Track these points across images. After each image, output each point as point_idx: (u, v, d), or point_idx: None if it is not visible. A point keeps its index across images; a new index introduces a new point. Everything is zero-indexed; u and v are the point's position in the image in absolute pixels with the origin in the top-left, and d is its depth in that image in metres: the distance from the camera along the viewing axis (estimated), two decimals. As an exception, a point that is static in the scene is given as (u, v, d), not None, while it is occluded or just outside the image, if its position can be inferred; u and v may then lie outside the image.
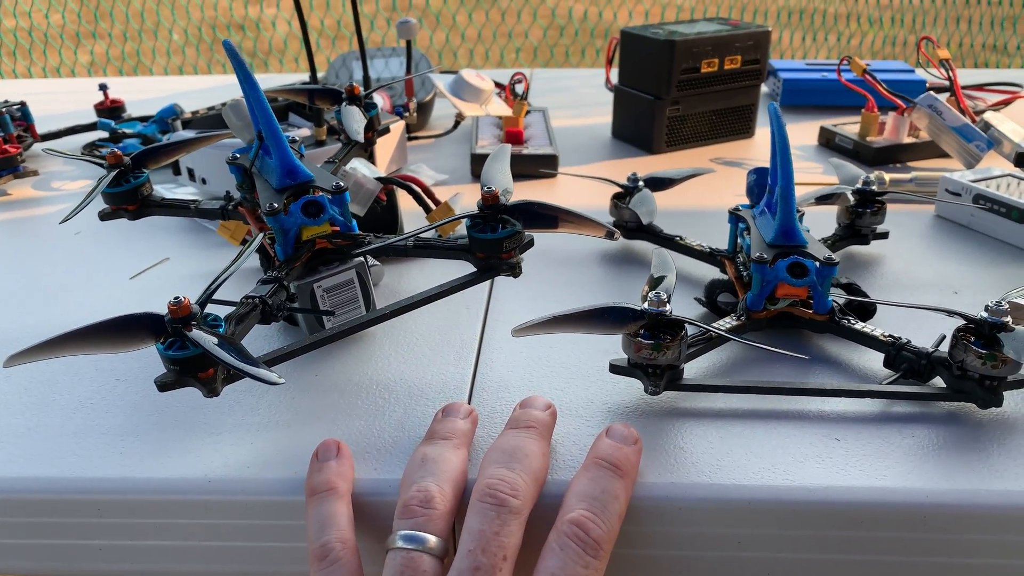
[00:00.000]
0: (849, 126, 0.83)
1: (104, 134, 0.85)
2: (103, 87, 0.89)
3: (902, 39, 2.73)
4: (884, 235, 0.59)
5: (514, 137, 0.78)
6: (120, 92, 0.94)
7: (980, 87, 0.95)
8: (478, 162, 0.76)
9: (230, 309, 0.42)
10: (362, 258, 0.48)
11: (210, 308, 0.39)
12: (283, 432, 0.42)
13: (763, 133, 0.88)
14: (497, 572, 0.32)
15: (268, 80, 1.16)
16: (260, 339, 0.50)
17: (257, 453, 0.40)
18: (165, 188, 0.73)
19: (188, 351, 0.37)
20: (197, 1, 2.42)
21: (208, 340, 0.36)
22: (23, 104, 0.85)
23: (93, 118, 0.89)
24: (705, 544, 0.38)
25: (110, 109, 0.89)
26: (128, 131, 0.84)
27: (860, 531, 0.37)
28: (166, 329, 0.37)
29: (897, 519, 0.36)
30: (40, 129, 0.87)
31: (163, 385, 0.38)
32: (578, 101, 1.03)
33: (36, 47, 2.40)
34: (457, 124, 0.83)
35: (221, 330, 0.38)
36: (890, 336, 0.45)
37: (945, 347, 0.43)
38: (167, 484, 0.39)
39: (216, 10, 2.48)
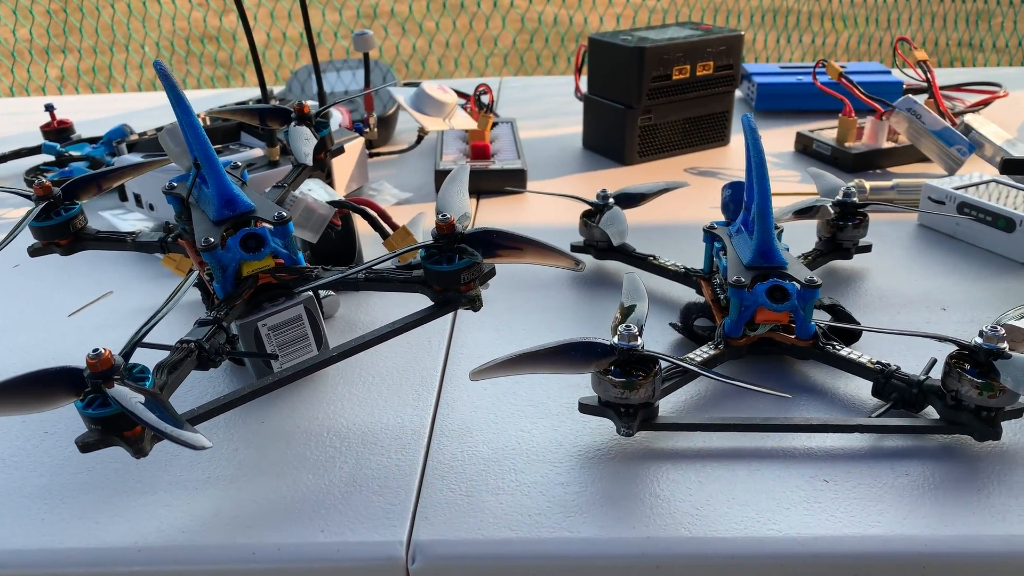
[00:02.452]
0: (827, 131, 0.81)
1: (50, 158, 0.81)
2: (49, 108, 0.85)
3: (877, 38, 2.72)
4: (867, 248, 0.57)
5: (480, 151, 0.74)
6: (74, 112, 0.90)
7: (958, 87, 0.93)
8: (443, 178, 0.72)
9: (164, 354, 0.38)
10: (311, 293, 0.44)
11: (143, 355, 0.36)
12: (225, 489, 0.38)
13: (739, 140, 0.85)
14: None
15: (228, 95, 1.12)
16: (204, 381, 0.46)
17: (195, 515, 0.36)
18: (113, 215, 0.69)
19: (110, 409, 0.33)
20: (168, 13, 2.37)
21: (131, 397, 0.33)
22: (-37, 127, 0.81)
23: (39, 140, 0.84)
24: (686, 604, 0.34)
25: (57, 131, 0.84)
26: (75, 154, 0.80)
27: (853, 586, 0.34)
28: (86, 384, 0.34)
29: (894, 570, 0.33)
30: (-17, 153, 0.82)
31: (85, 445, 0.34)
32: (548, 111, 1.00)
33: (2, 64, 2.34)
34: (420, 139, 0.79)
35: (148, 383, 0.35)
36: (878, 363, 0.42)
37: (936, 372, 0.41)
38: (92, 555, 0.35)
39: (189, 22, 2.42)
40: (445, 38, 2.24)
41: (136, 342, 0.36)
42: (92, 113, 1.04)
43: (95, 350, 0.33)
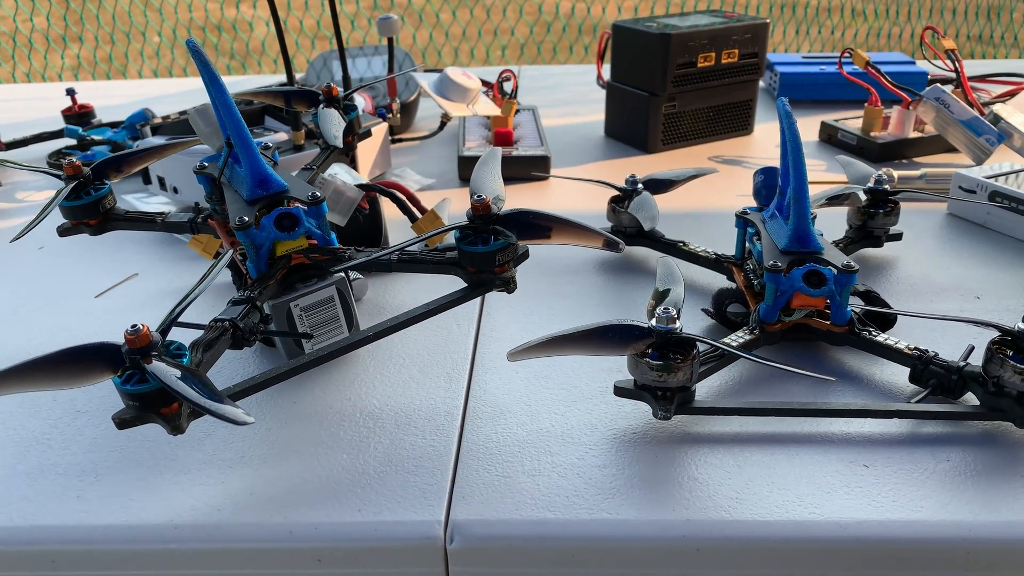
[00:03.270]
0: (851, 121, 0.80)
1: (72, 141, 0.81)
2: (71, 92, 0.85)
3: (886, 31, 2.71)
4: (898, 236, 0.56)
5: (503, 138, 0.74)
6: (92, 97, 0.90)
7: (983, 78, 0.92)
8: (466, 165, 0.72)
9: (198, 334, 0.38)
10: (343, 274, 0.44)
11: (176, 334, 0.35)
12: (259, 468, 0.38)
13: (762, 130, 0.84)
14: None
15: (246, 82, 1.12)
16: (235, 363, 0.46)
17: (230, 494, 0.36)
18: (136, 198, 0.69)
19: (148, 385, 0.33)
20: (176, 3, 2.37)
21: (169, 373, 0.33)
22: (-15, 111, 0.81)
23: (61, 124, 0.84)
24: (726, 588, 0.34)
25: (78, 115, 0.85)
26: (97, 138, 0.80)
27: (898, 570, 0.33)
28: (123, 361, 0.33)
29: (938, 556, 0.33)
30: (5, 137, 0.82)
31: (122, 422, 0.34)
32: (568, 99, 0.99)
33: (19, 51, 2.34)
34: (443, 125, 0.79)
35: (185, 360, 0.35)
36: (915, 349, 0.41)
37: (974, 359, 0.40)
38: (128, 532, 0.35)
39: (192, 12, 2.42)
40: (462, 27, 2.23)
41: (173, 319, 0.36)
42: (110, 99, 1.03)
43: (133, 326, 0.33)
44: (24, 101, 1.07)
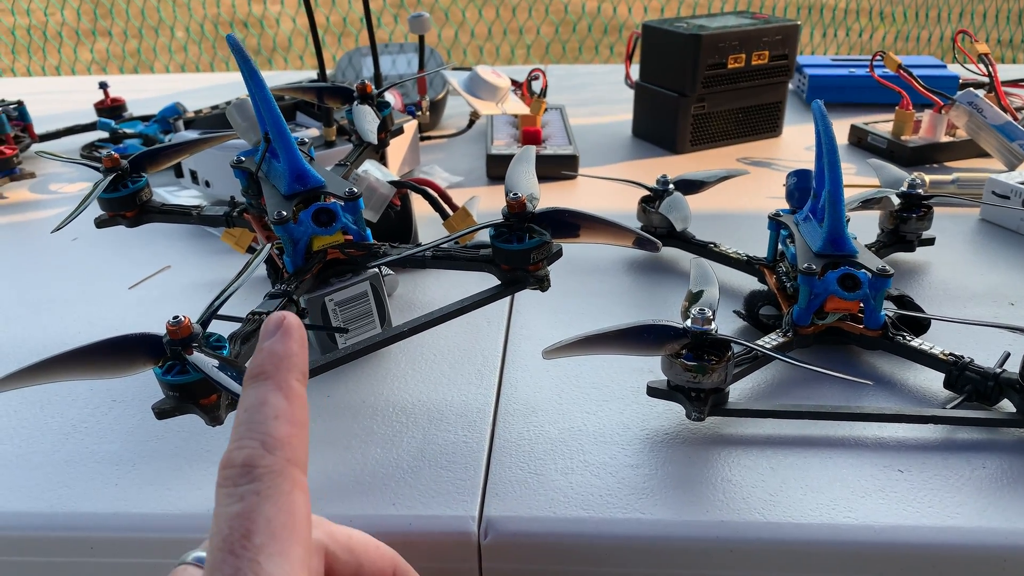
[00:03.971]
0: (881, 124, 0.79)
1: (104, 134, 0.82)
2: (103, 85, 0.86)
3: (914, 34, 2.68)
4: (930, 241, 0.56)
5: (531, 137, 0.74)
6: (121, 91, 0.90)
7: (1015, 83, 0.91)
8: (494, 163, 0.72)
9: (235, 326, 0.39)
10: (377, 270, 0.44)
11: (213, 326, 0.36)
12: (292, 461, 0.38)
13: (790, 132, 0.84)
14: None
15: (274, 78, 1.13)
16: (267, 356, 0.46)
17: (264, 485, 0.37)
18: (167, 191, 0.70)
19: (188, 376, 0.33)
20: (201, -1, 2.39)
21: (210, 364, 0.33)
22: (20, 103, 0.82)
23: (93, 118, 0.85)
24: (759, 589, 0.34)
25: (111, 108, 0.85)
26: (129, 131, 0.81)
27: (933, 577, 0.33)
28: (164, 352, 0.34)
29: (973, 563, 0.33)
30: (38, 129, 0.84)
31: (161, 412, 0.34)
32: (595, 99, 0.99)
33: (36, 45, 2.37)
34: (472, 123, 0.79)
35: (225, 352, 0.35)
36: (951, 354, 0.41)
37: (1010, 366, 0.40)
38: (166, 521, 0.35)
39: (220, 7, 2.44)
40: (487, 26, 2.24)
41: (213, 311, 0.36)
42: (139, 93, 1.04)
43: (175, 317, 0.33)
44: (55, 94, 1.09)
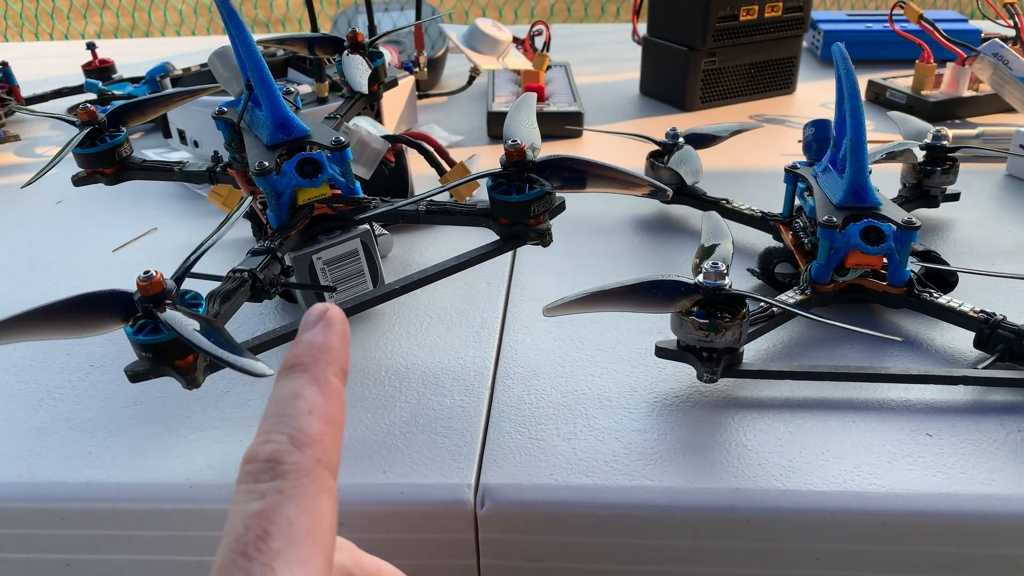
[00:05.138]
0: (901, 80, 0.76)
1: (92, 96, 0.79)
2: (91, 46, 0.83)
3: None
4: (955, 196, 0.53)
5: (535, 93, 0.71)
6: (115, 55, 0.87)
7: (1040, 37, 0.87)
8: (495, 121, 0.69)
9: (215, 285, 0.36)
10: (368, 226, 0.42)
11: (192, 284, 0.33)
12: (278, 427, 0.36)
13: (804, 89, 0.80)
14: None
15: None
16: (254, 318, 0.44)
17: (248, 452, 0.34)
18: (156, 152, 0.67)
19: (161, 335, 0.31)
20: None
21: (184, 323, 0.30)
22: (5, 65, 0.79)
23: (81, 80, 0.82)
24: (777, 562, 0.32)
25: (99, 70, 0.82)
26: (117, 92, 0.78)
27: (967, 547, 0.31)
28: (136, 309, 0.31)
29: (1011, 531, 0.30)
30: (25, 92, 0.81)
31: (134, 375, 0.32)
32: (602, 57, 0.96)
33: (44, 16, 2.33)
34: (472, 80, 0.76)
35: (202, 310, 0.33)
36: (981, 311, 0.38)
37: (1046, 324, 0.37)
38: (142, 491, 0.33)
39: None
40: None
41: (188, 267, 0.33)
42: (133, 56, 1.01)
43: (146, 272, 0.31)
44: (45, 59, 1.06)
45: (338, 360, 0.25)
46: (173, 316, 0.31)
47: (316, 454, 0.22)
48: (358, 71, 0.49)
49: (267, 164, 0.38)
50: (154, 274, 0.31)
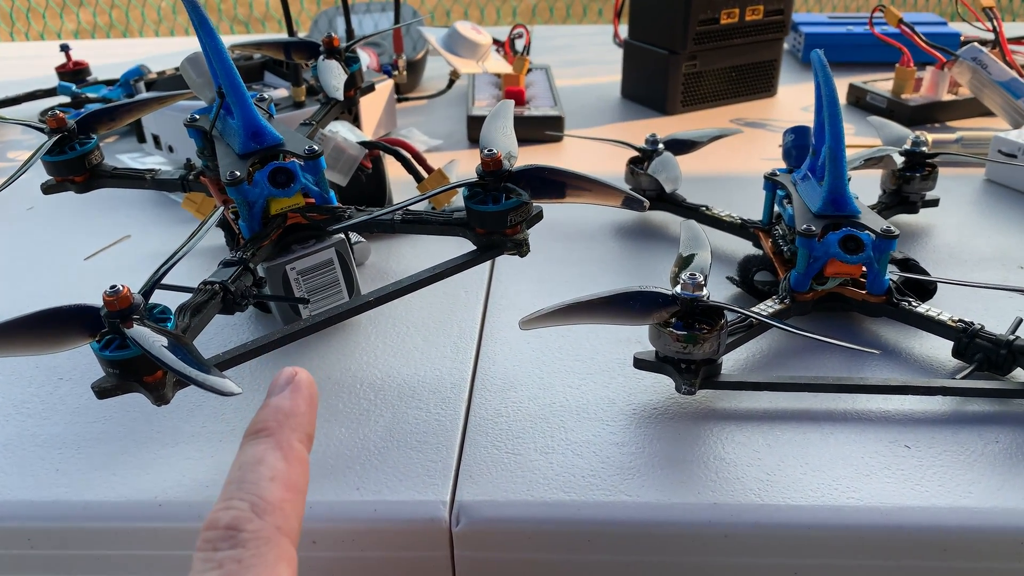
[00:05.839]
0: (881, 83, 0.76)
1: (65, 99, 0.78)
2: (64, 48, 0.81)
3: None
4: (934, 202, 0.53)
5: (515, 97, 0.70)
6: (91, 56, 0.86)
7: (1020, 40, 0.87)
8: (475, 125, 0.69)
9: (186, 297, 0.35)
10: (343, 235, 0.41)
11: (162, 297, 0.33)
12: (251, 442, 0.35)
13: (786, 92, 0.81)
14: None
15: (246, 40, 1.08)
16: (228, 330, 0.43)
17: (220, 469, 0.34)
18: (131, 158, 0.66)
19: (128, 351, 0.30)
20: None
21: (151, 339, 0.30)
22: (-24, 67, 0.78)
23: (55, 82, 0.81)
24: (755, 577, 0.32)
25: (73, 72, 0.81)
26: (91, 95, 0.76)
27: (945, 560, 0.30)
28: (102, 324, 0.31)
29: (990, 545, 0.30)
30: (-2, 95, 0.79)
31: (102, 391, 0.31)
32: (583, 59, 0.95)
33: (19, 13, 2.30)
34: (451, 83, 0.75)
35: (170, 324, 0.32)
36: (960, 321, 0.38)
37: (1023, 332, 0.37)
38: (110, 509, 0.32)
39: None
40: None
41: (157, 280, 0.33)
42: (109, 57, 1.00)
43: (113, 287, 0.30)
44: (19, 60, 1.04)
45: (303, 425, 0.26)
46: (140, 332, 0.30)
47: (276, 521, 0.22)
48: (333, 76, 0.48)
49: (239, 174, 0.37)
50: (121, 289, 0.30)
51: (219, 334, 0.43)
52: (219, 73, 0.39)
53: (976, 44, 0.69)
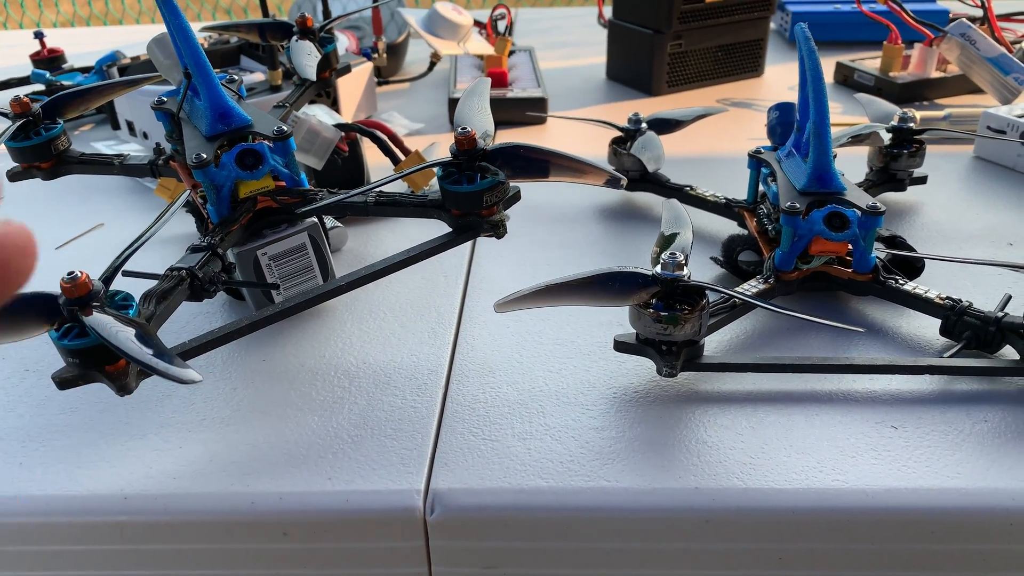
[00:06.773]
0: (869, 61, 0.75)
1: (39, 87, 0.76)
2: (39, 35, 0.80)
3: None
4: (922, 180, 0.52)
5: (497, 79, 0.69)
6: (67, 44, 0.84)
7: (1008, 17, 0.86)
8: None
9: (152, 283, 0.34)
10: (316, 219, 0.40)
11: (130, 285, 0.32)
12: (221, 432, 0.34)
13: (772, 72, 0.79)
14: None
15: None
16: (201, 317, 0.42)
17: (188, 460, 0.33)
18: (106, 146, 0.65)
19: (87, 340, 0.29)
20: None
21: (110, 326, 0.29)
22: (-53, 55, 0.76)
23: (30, 71, 0.79)
24: (738, 563, 0.31)
25: (47, 59, 0.79)
26: (66, 83, 0.75)
27: (933, 543, 0.30)
28: (61, 312, 0.30)
29: (978, 527, 0.29)
30: (-30, 84, 0.78)
31: (63, 381, 0.30)
32: (567, 41, 0.94)
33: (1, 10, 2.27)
34: (432, 66, 0.74)
35: (132, 312, 0.31)
36: (947, 298, 0.37)
37: (1013, 309, 0.36)
38: (75, 503, 0.31)
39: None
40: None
41: (118, 265, 0.32)
42: (86, 45, 0.98)
43: (70, 273, 0.29)
44: (-5, 48, 1.02)
45: None
46: (98, 319, 0.29)
47: None
48: (306, 57, 0.47)
49: (205, 156, 0.36)
50: (79, 275, 0.29)
51: (191, 322, 0.42)
52: (184, 53, 0.38)
53: (964, 20, 0.68)
